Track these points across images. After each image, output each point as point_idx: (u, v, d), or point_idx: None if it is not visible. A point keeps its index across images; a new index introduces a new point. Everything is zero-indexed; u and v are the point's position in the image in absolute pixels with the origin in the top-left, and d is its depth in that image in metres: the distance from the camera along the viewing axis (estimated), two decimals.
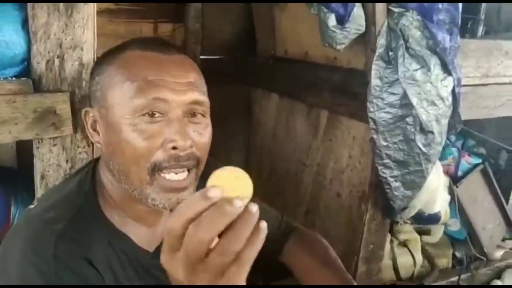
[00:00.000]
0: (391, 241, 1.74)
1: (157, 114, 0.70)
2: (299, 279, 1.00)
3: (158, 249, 0.83)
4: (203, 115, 0.76)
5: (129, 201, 0.77)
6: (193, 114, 0.74)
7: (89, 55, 0.99)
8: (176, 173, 0.72)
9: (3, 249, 0.71)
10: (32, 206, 0.77)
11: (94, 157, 1.04)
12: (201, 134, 0.74)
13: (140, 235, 0.80)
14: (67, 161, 1.01)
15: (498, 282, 1.87)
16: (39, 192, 1.01)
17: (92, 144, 1.04)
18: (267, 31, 1.97)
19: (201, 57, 1.94)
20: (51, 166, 1.00)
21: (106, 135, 0.74)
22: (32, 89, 0.95)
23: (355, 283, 0.90)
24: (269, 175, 2.06)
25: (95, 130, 0.76)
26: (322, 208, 1.76)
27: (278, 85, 1.95)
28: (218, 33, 2.00)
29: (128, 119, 0.70)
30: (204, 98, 0.75)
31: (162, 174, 0.71)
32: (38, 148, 0.98)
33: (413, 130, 1.38)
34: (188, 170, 0.73)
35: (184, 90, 0.72)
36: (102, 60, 0.77)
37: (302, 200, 1.86)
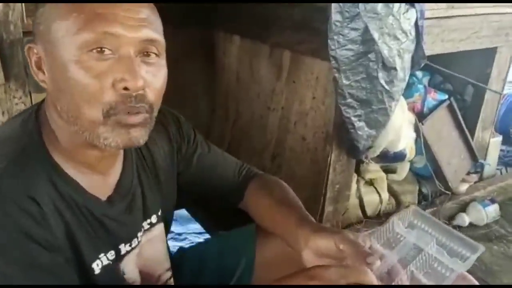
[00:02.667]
0: (358, 181, 1.75)
1: (107, 50, 0.66)
2: (257, 222, 0.98)
3: (110, 198, 0.79)
4: (157, 55, 0.71)
5: (79, 146, 0.73)
6: (147, 54, 0.69)
7: None
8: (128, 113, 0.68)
9: None
10: None
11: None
12: (154, 76, 0.70)
13: (91, 181, 0.76)
14: (3, 112, 0.94)
15: (463, 215, 1.91)
16: None
17: (30, 93, 0.97)
18: None
19: None
20: None
21: (51, 73, 0.68)
22: None
23: (312, 219, 0.88)
24: (236, 120, 2.02)
25: (39, 68, 0.70)
26: (288, 152, 1.74)
27: (240, 26, 1.87)
28: None
29: (75, 55, 0.65)
30: (158, 36, 0.70)
31: (117, 116, 0.68)
32: None
33: (375, 67, 1.34)
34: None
35: (137, 26, 0.67)
36: None
37: (268, 144, 1.83)
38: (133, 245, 0.82)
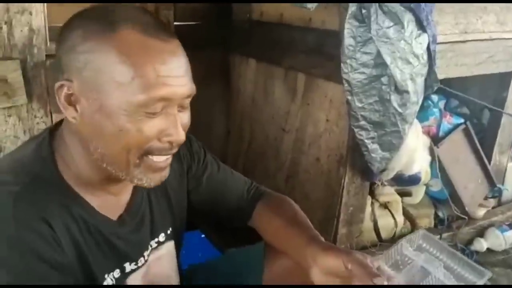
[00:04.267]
0: (372, 203, 1.74)
1: (158, 110, 0.70)
2: (267, 241, 0.99)
3: (121, 217, 0.81)
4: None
5: (97, 176, 0.76)
6: (183, 105, 0.74)
7: (39, 20, 0.94)
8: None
9: None
10: None
11: None
12: (185, 118, 0.76)
13: (103, 202, 0.78)
14: (24, 132, 0.98)
15: (481, 241, 1.88)
16: None
17: (51, 113, 1.01)
18: None
19: (175, 23, 1.88)
20: (8, 137, 0.97)
21: (93, 117, 0.69)
22: None
23: (322, 239, 0.89)
24: (250, 142, 2.04)
25: (70, 104, 0.71)
26: (301, 173, 1.75)
27: (255, 50, 1.91)
28: None
29: (127, 110, 0.68)
30: (194, 88, 0.75)
31: (150, 157, 0.73)
32: None
33: (388, 90, 1.35)
34: None
35: (184, 84, 0.71)
36: (87, 34, 0.68)
37: (282, 166, 1.85)
38: (139, 264, 0.84)
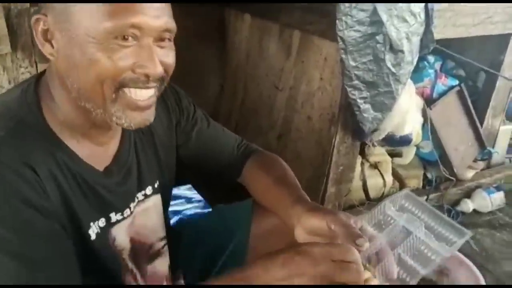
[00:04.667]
0: (362, 163, 1.75)
1: (130, 38, 0.68)
2: (255, 198, 1.00)
3: (108, 169, 0.81)
4: (169, 39, 0.74)
5: (81, 120, 0.75)
6: (161, 39, 0.72)
7: None
8: (141, 89, 0.72)
9: None
10: None
11: None
12: (167, 57, 0.74)
13: (89, 152, 0.78)
14: (9, 81, 0.97)
15: (467, 202, 1.91)
16: None
17: (36, 63, 0.99)
18: None
19: None
20: None
21: (66, 50, 0.69)
22: None
23: (308, 198, 0.90)
24: (243, 99, 2.02)
25: (47, 40, 0.71)
26: (294, 132, 1.75)
27: (251, 5, 1.85)
28: None
29: (97, 38, 0.66)
30: (173, 24, 0.73)
31: (127, 91, 0.71)
32: None
33: (383, 49, 1.33)
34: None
35: (158, 15, 0.69)
36: None
37: (274, 124, 1.84)
38: (124, 215, 0.84)
